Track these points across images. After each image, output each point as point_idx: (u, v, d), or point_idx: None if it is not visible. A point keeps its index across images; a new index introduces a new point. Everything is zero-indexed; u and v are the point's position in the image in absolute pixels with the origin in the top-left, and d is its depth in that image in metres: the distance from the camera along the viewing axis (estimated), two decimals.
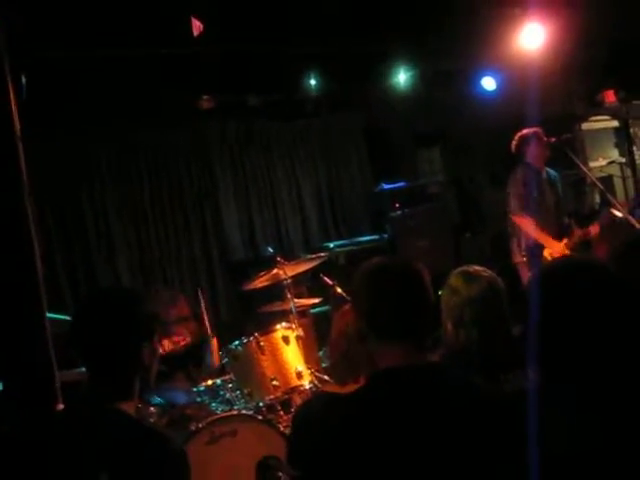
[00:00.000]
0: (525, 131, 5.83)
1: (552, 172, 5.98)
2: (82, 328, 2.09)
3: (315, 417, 1.96)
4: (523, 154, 5.84)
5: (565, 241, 5.50)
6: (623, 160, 10.09)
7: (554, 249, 5.47)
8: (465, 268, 2.86)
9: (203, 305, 5.09)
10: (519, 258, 5.76)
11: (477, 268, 2.85)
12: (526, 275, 5.62)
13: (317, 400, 2.26)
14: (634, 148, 10.36)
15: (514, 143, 5.85)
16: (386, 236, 8.36)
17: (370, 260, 2.11)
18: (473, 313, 2.68)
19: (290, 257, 5.46)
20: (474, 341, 2.65)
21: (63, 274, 7.13)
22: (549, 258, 5.47)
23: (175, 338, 5.11)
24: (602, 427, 1.42)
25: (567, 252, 5.41)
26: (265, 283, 5.06)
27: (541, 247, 5.58)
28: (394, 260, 2.25)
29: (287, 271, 4.94)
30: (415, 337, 1.91)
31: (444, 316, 2.75)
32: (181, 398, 4.57)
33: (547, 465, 1.44)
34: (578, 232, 5.54)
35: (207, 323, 5.02)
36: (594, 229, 5.43)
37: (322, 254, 5.51)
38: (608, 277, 1.57)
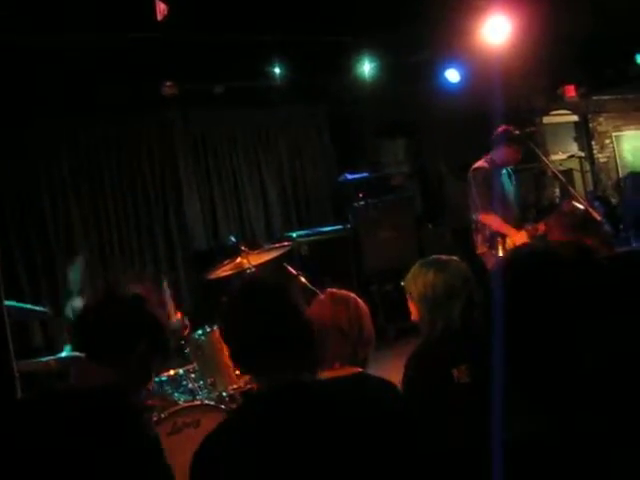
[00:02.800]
0: (517, 132, 5.82)
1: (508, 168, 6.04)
2: (90, 320, 2.27)
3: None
4: (497, 145, 5.82)
5: (526, 229, 5.57)
6: (582, 154, 10.27)
7: (518, 238, 5.55)
8: (434, 257, 2.86)
9: (168, 294, 5.02)
10: (483, 249, 5.82)
11: (444, 257, 2.87)
12: (491, 263, 5.69)
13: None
14: (593, 142, 10.54)
15: (501, 129, 5.80)
16: (349, 226, 8.36)
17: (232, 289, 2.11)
18: (452, 301, 2.70)
19: (253, 246, 5.41)
20: (456, 328, 2.68)
21: (21, 265, 7.00)
22: (512, 246, 5.56)
23: None
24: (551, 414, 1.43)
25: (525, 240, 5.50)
26: (229, 272, 5.00)
27: (503, 236, 5.67)
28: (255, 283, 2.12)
29: (251, 260, 4.89)
30: (287, 362, 1.85)
31: (419, 307, 2.76)
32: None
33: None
34: (534, 226, 5.63)
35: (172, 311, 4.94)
36: (541, 226, 5.53)
37: (286, 243, 5.47)
38: (561, 264, 1.58)
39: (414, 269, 2.84)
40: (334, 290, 2.63)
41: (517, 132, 5.90)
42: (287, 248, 5.37)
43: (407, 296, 2.86)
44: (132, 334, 2.24)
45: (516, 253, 1.77)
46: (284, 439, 1.70)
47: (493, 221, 5.71)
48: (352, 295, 2.62)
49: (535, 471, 1.40)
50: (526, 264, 1.58)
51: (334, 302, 2.53)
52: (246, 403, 1.88)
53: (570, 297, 1.48)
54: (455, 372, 2.60)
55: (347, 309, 2.53)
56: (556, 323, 1.47)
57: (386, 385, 2.53)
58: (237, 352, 1.90)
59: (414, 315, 2.83)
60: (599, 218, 5.68)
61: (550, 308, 1.48)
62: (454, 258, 2.86)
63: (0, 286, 2.98)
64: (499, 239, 5.73)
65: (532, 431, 1.42)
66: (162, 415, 3.87)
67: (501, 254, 5.71)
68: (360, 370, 2.51)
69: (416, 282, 2.80)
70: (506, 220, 5.72)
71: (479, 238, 5.90)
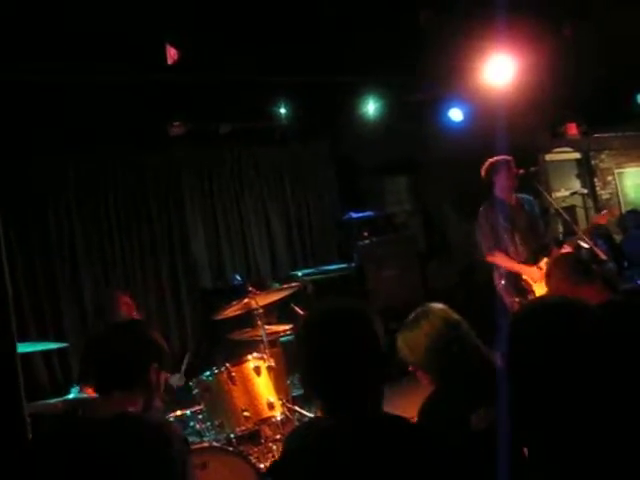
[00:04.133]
0: (496, 158, 5.89)
1: (525, 197, 6.06)
2: (101, 347, 2.38)
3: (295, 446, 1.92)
4: (491, 182, 5.91)
5: (543, 262, 5.57)
6: (585, 191, 10.31)
7: (531, 276, 5.56)
8: (407, 320, 2.86)
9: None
10: (500, 283, 5.84)
11: (415, 313, 2.87)
12: (507, 298, 5.70)
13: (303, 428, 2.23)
14: (595, 179, 10.60)
15: (484, 168, 5.91)
16: (354, 265, 8.38)
17: (309, 312, 2.09)
18: (445, 347, 2.71)
19: (259, 286, 5.42)
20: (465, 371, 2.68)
21: (25, 296, 7.01)
22: (529, 281, 5.57)
23: None
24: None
25: (542, 275, 5.51)
26: (236, 312, 5.01)
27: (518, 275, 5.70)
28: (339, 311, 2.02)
29: (259, 301, 4.90)
30: (352, 397, 1.84)
31: (423, 369, 2.77)
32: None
33: None
34: (555, 253, 5.64)
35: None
36: (565, 250, 5.56)
37: (294, 284, 5.47)
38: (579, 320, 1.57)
39: (398, 340, 2.86)
40: None
41: (521, 171, 5.95)
42: (295, 288, 5.37)
43: (410, 367, 2.87)
44: (143, 361, 2.31)
45: (531, 308, 1.77)
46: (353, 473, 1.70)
47: (500, 261, 5.74)
48: None
49: None
50: (541, 319, 1.58)
51: None
52: (318, 433, 1.85)
53: (588, 351, 1.48)
54: (474, 418, 2.58)
55: None
56: (574, 378, 1.46)
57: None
58: (311, 379, 1.89)
59: (424, 380, 2.82)
60: (604, 257, 5.73)
61: (568, 362, 1.48)
62: (426, 308, 2.85)
63: (12, 329, 2.98)
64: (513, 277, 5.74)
65: None
66: None
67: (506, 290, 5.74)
68: None
69: (407, 348, 2.81)
70: (519, 251, 5.74)
71: (496, 274, 5.93)
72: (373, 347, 1.89)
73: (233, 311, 4.99)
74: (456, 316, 2.83)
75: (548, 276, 3.56)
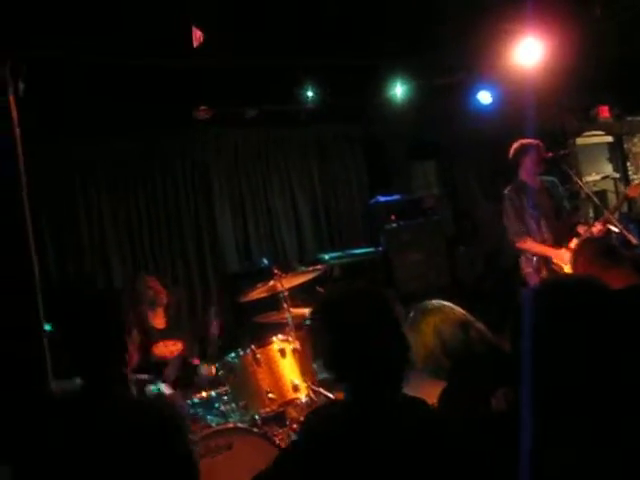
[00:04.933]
0: (526, 140, 5.83)
1: (548, 179, 5.99)
2: (78, 329, 2.29)
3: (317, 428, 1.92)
4: (518, 164, 5.85)
5: (572, 243, 5.51)
6: (617, 175, 10.14)
7: (561, 258, 5.51)
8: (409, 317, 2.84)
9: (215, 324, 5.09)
10: (527, 269, 5.79)
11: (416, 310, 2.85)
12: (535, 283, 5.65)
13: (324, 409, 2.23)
14: (628, 164, 10.41)
15: (513, 148, 5.85)
16: (381, 249, 8.35)
17: (327, 293, 2.07)
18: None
19: (286, 269, 5.43)
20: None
21: (55, 279, 7.10)
22: (561, 264, 5.52)
23: (168, 344, 5.03)
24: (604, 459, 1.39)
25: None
26: (262, 295, 5.03)
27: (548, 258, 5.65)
28: (352, 294, 2.00)
29: (284, 283, 4.91)
30: (379, 381, 1.83)
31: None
32: (180, 402, 4.52)
33: None
34: (584, 232, 5.58)
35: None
36: (595, 229, 5.50)
37: (319, 266, 5.48)
38: (600, 297, 1.54)
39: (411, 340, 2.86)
40: None
41: (550, 154, 5.88)
42: (321, 271, 5.37)
43: None
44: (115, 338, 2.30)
45: (557, 281, 1.73)
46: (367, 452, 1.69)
47: (529, 246, 5.69)
48: None
49: None
50: (569, 293, 1.55)
51: None
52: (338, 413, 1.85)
53: (615, 328, 1.45)
54: (493, 401, 2.57)
55: None
56: (600, 353, 1.43)
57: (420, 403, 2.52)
58: (332, 362, 1.87)
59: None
60: (635, 241, 5.65)
61: (595, 338, 1.45)
62: (417, 317, 2.83)
63: (40, 309, 3.04)
64: (542, 261, 5.68)
65: (568, 464, 1.39)
66: (195, 438, 3.89)
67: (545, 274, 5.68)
68: None
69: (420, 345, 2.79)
70: (546, 235, 5.69)
71: (523, 260, 5.87)
72: (394, 328, 1.87)
73: (258, 293, 5.01)
74: (454, 313, 2.79)
75: (575, 260, 3.51)
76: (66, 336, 2.30)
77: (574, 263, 3.53)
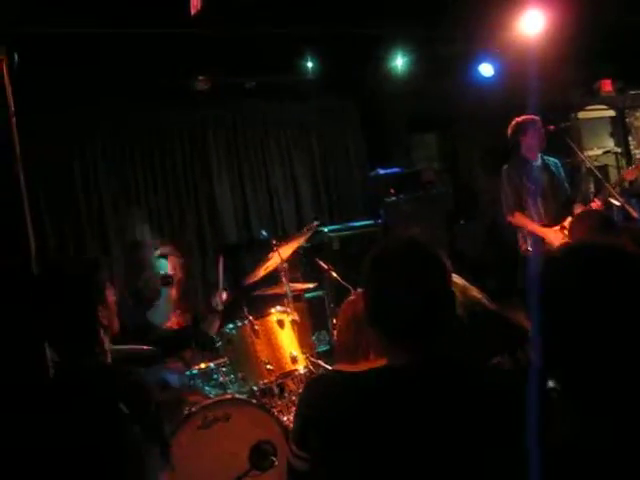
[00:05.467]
0: (523, 118, 5.79)
1: (550, 159, 5.95)
2: (45, 300, 2.27)
3: (329, 397, 1.86)
4: (518, 142, 5.81)
5: (563, 224, 5.49)
6: (619, 150, 10.07)
7: (551, 238, 5.49)
8: None
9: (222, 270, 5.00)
10: (524, 248, 5.78)
11: None
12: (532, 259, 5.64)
13: (328, 379, 2.19)
14: (630, 138, 10.35)
15: (511, 127, 5.82)
16: (380, 222, 8.32)
17: (381, 243, 1.93)
18: None
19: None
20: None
21: (52, 247, 7.06)
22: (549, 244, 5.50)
23: (175, 315, 4.97)
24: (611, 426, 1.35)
25: (564, 238, 5.43)
26: (265, 273, 5.01)
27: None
28: (403, 246, 1.84)
29: (282, 253, 4.89)
30: (423, 337, 1.71)
31: None
32: (174, 380, 4.52)
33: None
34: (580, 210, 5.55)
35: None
36: (594, 205, 5.47)
37: (313, 225, 5.40)
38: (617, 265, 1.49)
39: None
40: None
41: (551, 127, 5.83)
42: (314, 229, 5.28)
43: None
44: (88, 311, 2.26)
45: (576, 247, 1.66)
46: (409, 415, 1.64)
47: (519, 222, 5.66)
48: None
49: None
50: (588, 257, 1.49)
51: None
52: (377, 375, 1.76)
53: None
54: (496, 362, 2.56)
55: None
56: (622, 319, 1.38)
57: None
58: (379, 320, 1.76)
59: None
60: (636, 215, 5.62)
61: (617, 303, 1.40)
62: None
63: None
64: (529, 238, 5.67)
65: (583, 434, 1.36)
66: (192, 409, 3.89)
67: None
68: None
69: None
70: (542, 213, 5.65)
71: (519, 236, 5.85)
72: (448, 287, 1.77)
73: (262, 272, 4.98)
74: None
75: (570, 231, 3.49)
76: (34, 312, 2.30)
77: (570, 234, 3.50)
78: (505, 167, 5.80)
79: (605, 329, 1.37)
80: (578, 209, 5.65)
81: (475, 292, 2.80)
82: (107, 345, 2.30)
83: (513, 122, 5.81)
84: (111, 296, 2.36)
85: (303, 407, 2.00)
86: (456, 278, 2.81)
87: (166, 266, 4.81)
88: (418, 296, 1.67)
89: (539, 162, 5.81)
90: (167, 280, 4.71)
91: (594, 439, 1.35)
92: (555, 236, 5.47)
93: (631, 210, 5.47)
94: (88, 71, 6.21)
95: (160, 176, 7.79)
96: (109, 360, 2.31)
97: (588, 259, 1.45)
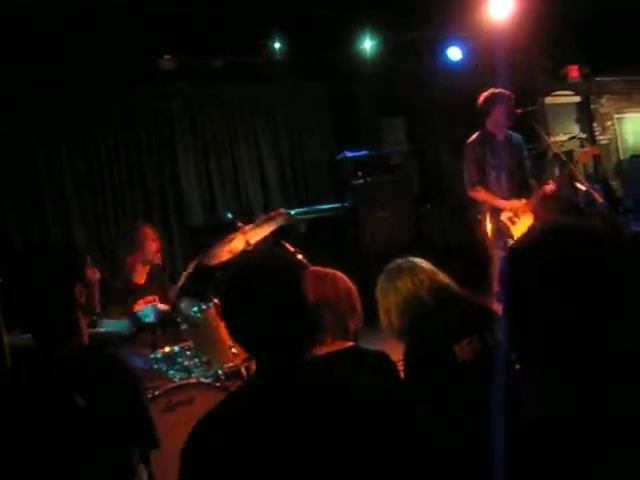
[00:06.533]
0: (499, 90, 5.73)
1: (514, 135, 5.93)
2: (16, 283, 2.18)
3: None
4: (486, 113, 5.75)
5: (526, 201, 5.51)
6: (584, 136, 10.16)
7: (510, 207, 5.49)
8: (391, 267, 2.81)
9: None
10: (483, 230, 5.75)
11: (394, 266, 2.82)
12: (493, 252, 5.62)
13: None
14: (595, 124, 10.45)
15: (483, 96, 5.73)
16: (347, 205, 8.30)
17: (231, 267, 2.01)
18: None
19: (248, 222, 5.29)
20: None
21: (15, 233, 6.95)
22: (507, 222, 5.50)
23: (148, 300, 4.88)
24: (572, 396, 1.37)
25: (525, 210, 5.44)
26: (228, 256, 4.93)
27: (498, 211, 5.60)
28: (251, 272, 1.85)
29: (249, 237, 4.83)
30: (275, 351, 1.75)
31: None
32: (140, 364, 4.45)
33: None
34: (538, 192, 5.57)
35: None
36: (549, 187, 5.48)
37: (282, 211, 5.33)
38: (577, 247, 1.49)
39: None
40: (316, 268, 2.62)
41: (519, 110, 5.82)
42: (280, 220, 5.23)
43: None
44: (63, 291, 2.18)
45: (545, 228, 1.66)
46: (280, 424, 1.64)
47: (482, 196, 5.65)
48: (336, 272, 2.64)
49: (553, 451, 1.34)
50: (558, 238, 1.49)
51: (318, 278, 2.50)
52: (241, 388, 1.82)
53: (610, 272, 1.41)
54: (458, 350, 2.57)
55: (331, 284, 2.55)
56: (593, 297, 1.39)
57: (380, 357, 2.49)
58: (235, 333, 1.82)
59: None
60: (600, 199, 5.67)
61: (586, 282, 1.40)
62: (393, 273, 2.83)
63: None
64: (488, 213, 5.65)
65: (556, 408, 1.37)
66: (156, 392, 3.84)
67: (489, 229, 5.64)
68: (352, 344, 2.50)
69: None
70: (500, 192, 5.63)
71: (479, 217, 5.83)
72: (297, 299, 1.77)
73: (226, 254, 4.91)
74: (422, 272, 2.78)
75: (535, 216, 3.50)
76: (7, 292, 2.20)
77: (536, 214, 3.51)
78: (469, 141, 5.76)
79: (572, 307, 1.38)
80: (536, 191, 5.66)
81: (442, 276, 2.81)
82: (84, 325, 2.21)
83: (487, 92, 5.74)
84: (92, 274, 2.28)
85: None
86: (424, 263, 2.82)
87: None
88: (264, 322, 1.71)
89: (504, 138, 5.79)
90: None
91: (557, 404, 1.38)
92: (516, 206, 5.48)
93: (596, 195, 5.51)
94: (49, 50, 6.05)
95: (124, 157, 7.66)
96: (86, 341, 2.23)
97: (558, 241, 1.45)
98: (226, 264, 4.97)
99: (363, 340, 2.65)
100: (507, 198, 5.60)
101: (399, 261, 2.84)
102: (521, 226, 5.42)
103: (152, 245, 5.08)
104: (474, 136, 5.77)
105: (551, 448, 1.34)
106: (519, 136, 5.92)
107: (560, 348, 1.40)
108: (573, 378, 1.38)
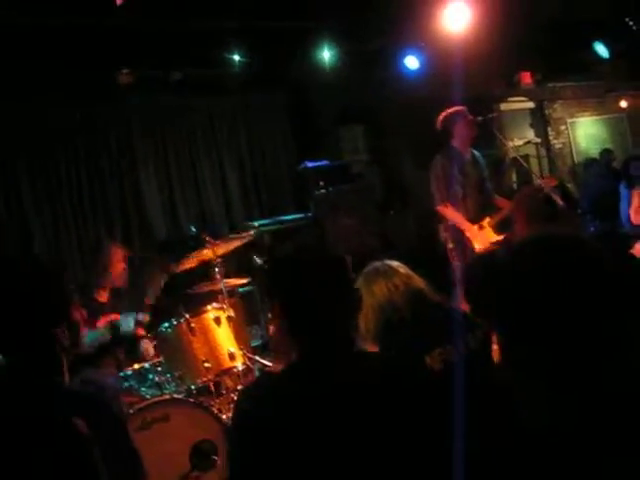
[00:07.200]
0: (450, 110, 5.83)
1: (476, 153, 6.04)
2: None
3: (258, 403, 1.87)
4: (449, 133, 5.84)
5: (481, 224, 5.60)
6: (538, 140, 10.37)
7: (472, 234, 5.57)
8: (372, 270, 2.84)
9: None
10: (445, 237, 5.83)
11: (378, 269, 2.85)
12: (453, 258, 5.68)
13: (262, 382, 2.18)
14: (549, 129, 10.68)
15: (440, 120, 5.84)
16: (310, 215, 8.31)
17: (284, 249, 2.07)
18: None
19: (215, 236, 5.27)
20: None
21: None
22: (471, 240, 5.58)
23: (110, 318, 4.79)
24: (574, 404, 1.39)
25: (488, 237, 5.54)
26: (195, 264, 4.91)
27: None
28: (309, 250, 2.09)
29: (216, 251, 4.82)
30: (333, 330, 1.83)
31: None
32: (111, 382, 4.38)
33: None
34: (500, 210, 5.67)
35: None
36: (546, 181, 5.59)
37: (250, 232, 5.39)
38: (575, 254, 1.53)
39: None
40: None
41: (479, 118, 5.91)
42: (252, 236, 5.27)
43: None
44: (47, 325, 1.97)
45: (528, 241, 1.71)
46: (324, 411, 1.68)
47: (450, 214, 5.71)
48: None
49: (560, 459, 1.37)
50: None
51: None
52: (287, 370, 1.85)
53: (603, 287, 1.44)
54: (428, 359, 2.58)
55: None
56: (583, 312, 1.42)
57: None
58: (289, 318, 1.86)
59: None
60: (560, 203, 5.78)
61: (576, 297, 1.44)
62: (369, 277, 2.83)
63: None
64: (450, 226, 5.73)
65: (560, 418, 1.39)
66: (130, 411, 3.79)
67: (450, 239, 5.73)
68: None
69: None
70: (466, 210, 5.71)
71: (441, 227, 5.90)
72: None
73: (192, 262, 4.89)
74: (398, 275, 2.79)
75: (513, 217, 3.54)
76: None
77: (513, 219, 3.56)
78: (438, 157, 5.82)
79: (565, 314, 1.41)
80: (501, 201, 5.75)
81: (418, 281, 2.81)
82: (65, 367, 1.98)
83: (441, 115, 5.83)
84: (77, 315, 2.14)
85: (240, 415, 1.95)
86: (400, 267, 2.82)
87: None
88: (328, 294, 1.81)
89: (469, 154, 5.88)
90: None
91: (560, 413, 1.40)
92: (477, 234, 5.57)
93: (557, 198, 5.61)
94: (9, 62, 5.95)
95: (84, 173, 7.56)
96: (66, 383, 2.09)
97: (549, 254, 1.49)
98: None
99: None
100: (474, 215, 5.68)
101: (376, 264, 2.83)
102: (481, 239, 5.54)
103: (119, 267, 4.98)
104: (440, 154, 5.83)
105: (558, 457, 1.36)
106: (479, 154, 6.03)
107: (562, 355, 1.42)
108: (577, 388, 1.40)
